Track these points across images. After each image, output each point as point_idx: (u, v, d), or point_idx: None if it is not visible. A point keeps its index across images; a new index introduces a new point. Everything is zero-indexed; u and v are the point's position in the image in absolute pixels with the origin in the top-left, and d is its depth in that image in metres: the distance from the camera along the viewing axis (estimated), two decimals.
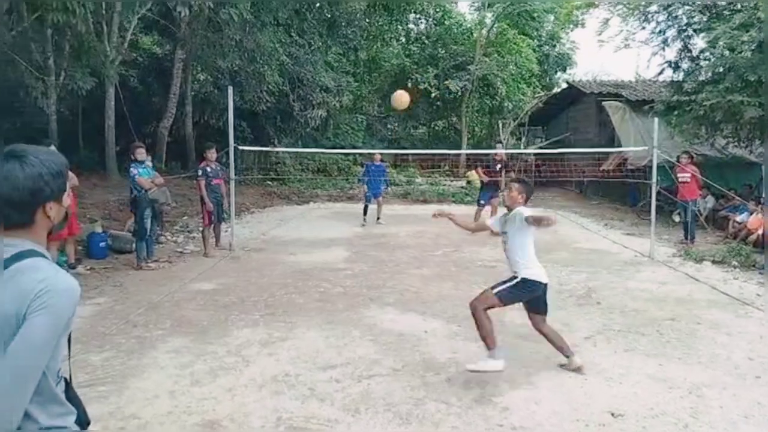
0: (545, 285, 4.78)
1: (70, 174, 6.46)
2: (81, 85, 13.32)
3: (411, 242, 11.12)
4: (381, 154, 14.22)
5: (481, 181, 12.51)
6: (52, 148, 7.43)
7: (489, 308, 4.64)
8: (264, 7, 15.69)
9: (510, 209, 4.87)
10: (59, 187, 1.68)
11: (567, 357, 4.80)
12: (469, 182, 21.06)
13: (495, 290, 4.66)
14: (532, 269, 4.73)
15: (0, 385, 1.47)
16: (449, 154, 22.65)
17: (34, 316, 1.51)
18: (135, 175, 8.42)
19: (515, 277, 4.70)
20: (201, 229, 10.12)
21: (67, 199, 1.75)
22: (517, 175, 12.46)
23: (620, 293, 7.38)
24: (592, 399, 4.29)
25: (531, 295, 4.75)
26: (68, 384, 1.81)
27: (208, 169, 9.53)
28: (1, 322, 1.52)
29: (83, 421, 1.83)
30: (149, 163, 9.23)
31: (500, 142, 19.18)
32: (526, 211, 4.64)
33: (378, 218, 13.11)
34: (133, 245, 8.94)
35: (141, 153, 8.67)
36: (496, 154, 12.71)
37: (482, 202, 12.36)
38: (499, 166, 12.33)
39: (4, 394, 1.47)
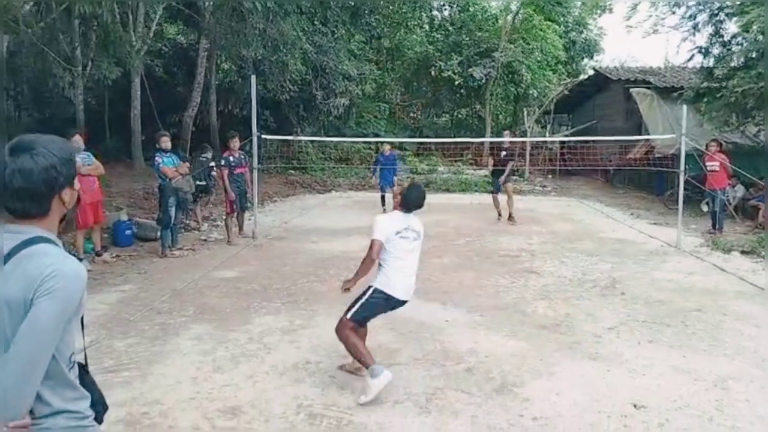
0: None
1: (96, 162, 6.52)
2: (107, 75, 13.49)
3: (432, 231, 11.02)
4: (392, 144, 14.27)
5: (494, 169, 12.53)
6: (77, 137, 7.59)
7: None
8: None
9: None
10: (70, 173, 1.71)
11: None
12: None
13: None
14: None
15: (9, 369, 1.49)
16: (472, 143, 22.44)
17: (41, 301, 1.53)
18: (159, 163, 8.52)
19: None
20: (224, 217, 10.22)
21: (77, 182, 1.77)
22: (519, 162, 12.38)
23: (645, 284, 7.26)
24: (614, 390, 4.24)
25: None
26: (84, 369, 1.84)
27: (231, 159, 9.60)
28: (11, 307, 1.55)
29: (100, 406, 1.86)
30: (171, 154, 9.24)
31: (509, 129, 18.90)
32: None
33: (394, 208, 13.06)
34: (158, 233, 9.06)
35: (166, 141, 8.76)
36: (503, 141, 12.68)
37: (494, 188, 12.54)
38: (504, 153, 12.26)
39: (14, 377, 1.49)
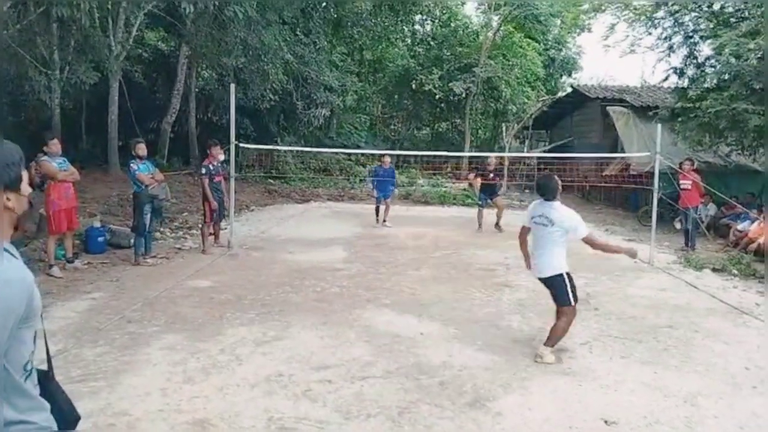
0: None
1: (72, 168, 6.39)
2: (85, 79, 13.33)
3: (410, 243, 11.09)
4: (388, 156, 14.40)
5: (483, 185, 13.08)
6: (55, 141, 7.49)
7: None
8: (270, 5, 15.68)
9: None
10: (10, 177, 1.65)
11: None
12: (470, 185, 21.02)
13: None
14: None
15: None
16: (452, 157, 22.59)
17: None
18: (135, 170, 8.41)
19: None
20: (200, 225, 10.10)
21: (27, 188, 1.72)
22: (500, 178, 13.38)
23: (619, 299, 7.34)
24: (585, 406, 4.26)
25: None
26: (47, 377, 1.79)
27: (211, 167, 9.51)
28: None
29: (69, 416, 1.81)
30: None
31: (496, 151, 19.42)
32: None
33: (384, 220, 13.18)
34: (131, 241, 8.93)
35: (141, 149, 8.65)
36: (488, 162, 13.38)
37: (481, 203, 13.23)
38: (491, 174, 13.12)
39: None
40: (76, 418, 1.84)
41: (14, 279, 1.56)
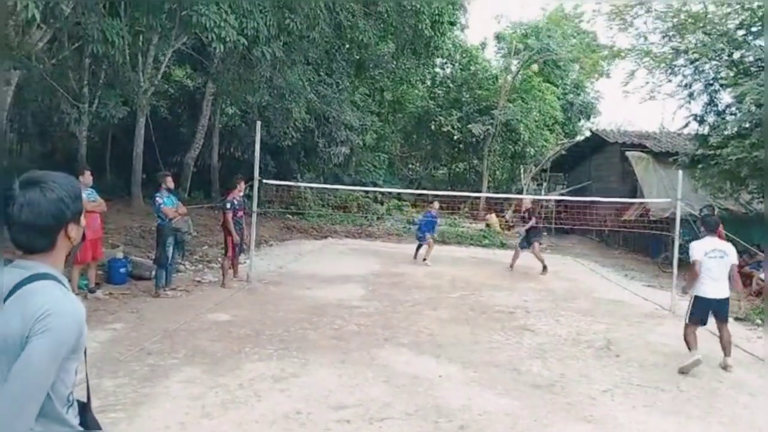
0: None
1: (99, 200, 6.54)
2: (114, 113, 13.69)
3: (428, 283, 11.06)
4: (437, 202, 15.53)
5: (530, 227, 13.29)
6: (87, 173, 7.70)
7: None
8: (296, 46, 16.09)
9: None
10: (78, 208, 1.73)
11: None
12: (488, 225, 21.02)
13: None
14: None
15: (0, 406, 1.49)
16: (470, 197, 22.67)
17: (34, 339, 1.54)
18: (161, 203, 8.55)
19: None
20: (220, 259, 10.19)
21: (83, 219, 1.79)
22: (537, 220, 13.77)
23: (640, 346, 7.23)
24: None
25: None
26: (86, 408, 1.82)
27: (235, 201, 9.64)
28: (8, 344, 1.55)
29: None
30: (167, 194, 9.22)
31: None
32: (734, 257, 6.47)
33: (424, 259, 13.66)
34: (153, 272, 9.02)
35: (170, 181, 8.88)
36: (522, 206, 14.02)
37: (524, 245, 13.37)
38: (526, 215, 13.55)
39: (5, 415, 1.49)
40: None
41: (69, 311, 1.61)
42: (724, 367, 6.38)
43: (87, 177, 7.86)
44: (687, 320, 6.44)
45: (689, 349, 6.28)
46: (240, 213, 9.76)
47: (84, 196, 6.59)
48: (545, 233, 21.41)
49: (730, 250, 6.48)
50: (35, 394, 1.53)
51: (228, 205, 9.59)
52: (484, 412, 4.86)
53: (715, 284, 6.33)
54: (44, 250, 1.68)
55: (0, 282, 1.60)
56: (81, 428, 1.74)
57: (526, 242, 13.29)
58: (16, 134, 19.89)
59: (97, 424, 1.86)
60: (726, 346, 6.44)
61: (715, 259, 6.36)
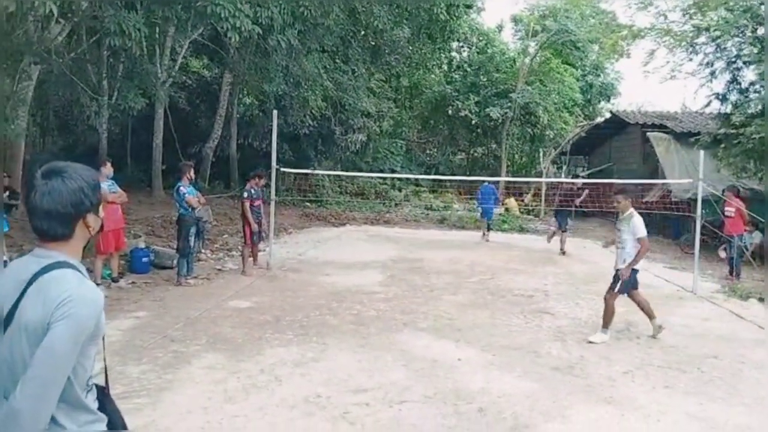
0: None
1: (120, 191, 6.64)
2: (132, 105, 13.84)
3: (446, 268, 11.07)
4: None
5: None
6: (108, 165, 7.83)
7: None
8: (311, 34, 16.07)
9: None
10: (97, 199, 1.79)
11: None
12: (507, 210, 20.90)
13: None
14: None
15: (24, 391, 1.54)
16: (486, 182, 22.51)
17: (55, 326, 1.58)
18: (185, 193, 8.66)
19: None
20: (240, 247, 10.31)
21: (102, 210, 1.84)
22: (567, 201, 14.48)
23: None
24: None
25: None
26: (104, 392, 1.87)
27: (253, 191, 9.75)
28: (29, 331, 1.60)
29: (120, 430, 1.89)
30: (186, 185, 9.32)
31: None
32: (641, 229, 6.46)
33: (484, 234, 15.13)
34: (174, 261, 9.15)
35: (192, 172, 9.09)
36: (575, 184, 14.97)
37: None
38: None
39: (29, 400, 1.53)
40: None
41: (88, 298, 1.65)
42: (657, 333, 6.63)
43: (108, 168, 8.00)
44: (621, 291, 6.55)
45: (606, 323, 6.56)
46: (258, 202, 9.86)
47: (104, 187, 6.69)
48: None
49: None
50: (57, 379, 1.58)
51: (245, 194, 9.71)
52: (503, 394, 4.88)
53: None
54: (63, 239, 1.72)
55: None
56: (100, 412, 1.78)
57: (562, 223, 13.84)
58: (38, 128, 20.22)
59: (116, 408, 1.91)
60: (649, 311, 6.71)
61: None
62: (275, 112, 10.45)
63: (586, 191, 14.05)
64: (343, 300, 8.06)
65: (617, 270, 6.56)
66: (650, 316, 6.66)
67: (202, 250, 10.81)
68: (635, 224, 6.44)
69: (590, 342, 6.33)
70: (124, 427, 1.92)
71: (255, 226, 9.68)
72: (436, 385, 5.02)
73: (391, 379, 5.13)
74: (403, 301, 8.22)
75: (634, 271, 6.53)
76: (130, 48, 11.34)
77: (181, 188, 8.71)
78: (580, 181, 21.06)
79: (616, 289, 6.50)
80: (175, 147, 17.19)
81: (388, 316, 7.36)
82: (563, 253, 13.32)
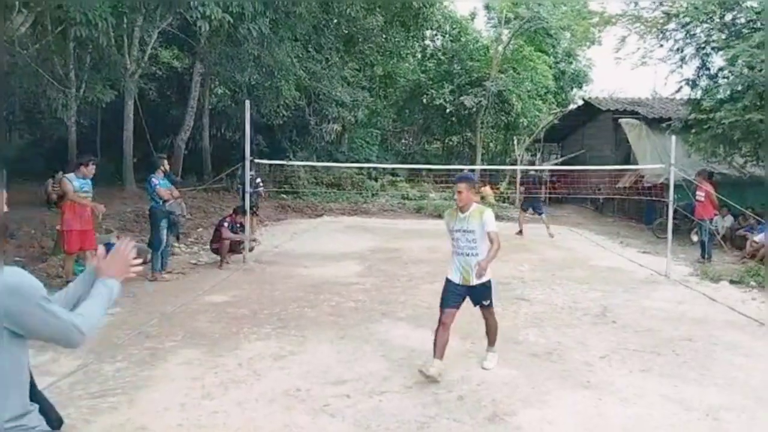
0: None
1: (88, 199, 6.32)
2: (101, 97, 13.54)
3: (424, 257, 11.08)
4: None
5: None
6: (91, 165, 7.63)
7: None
8: (282, 22, 15.87)
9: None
10: None
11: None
12: (483, 198, 21.00)
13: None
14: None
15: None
16: (463, 170, 22.60)
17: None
18: (156, 185, 8.50)
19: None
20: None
21: (3, 204, 1.87)
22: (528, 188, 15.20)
23: (635, 312, 7.28)
24: (606, 420, 4.22)
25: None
26: (31, 382, 1.97)
27: (232, 226, 9.78)
28: None
29: (54, 416, 2.00)
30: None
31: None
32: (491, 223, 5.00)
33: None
34: (148, 256, 8.99)
35: (167, 164, 8.93)
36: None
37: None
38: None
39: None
40: (59, 419, 2.07)
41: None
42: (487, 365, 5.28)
43: (89, 169, 7.74)
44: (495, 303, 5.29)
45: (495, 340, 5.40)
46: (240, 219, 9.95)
47: (76, 185, 6.45)
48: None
49: None
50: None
51: (225, 224, 9.64)
52: (482, 382, 4.90)
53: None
54: None
55: None
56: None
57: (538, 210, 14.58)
58: (4, 122, 19.66)
59: (48, 402, 2.23)
60: (494, 337, 5.40)
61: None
62: (247, 102, 10.31)
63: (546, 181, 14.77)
64: (321, 292, 8.01)
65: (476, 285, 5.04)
66: (491, 342, 5.33)
67: (176, 244, 10.65)
68: (488, 219, 4.95)
69: (484, 368, 5.17)
70: (55, 411, 2.09)
71: (238, 237, 9.68)
72: (415, 375, 5.01)
73: (371, 369, 5.12)
74: (381, 291, 8.21)
75: (488, 287, 5.08)
76: (96, 38, 11.08)
77: (153, 179, 8.56)
78: (546, 167, 21.43)
79: (493, 304, 5.21)
80: (147, 139, 16.85)
81: (366, 306, 7.34)
82: (551, 236, 13.90)
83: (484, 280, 4.98)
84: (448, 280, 5.10)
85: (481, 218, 4.93)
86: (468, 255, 4.98)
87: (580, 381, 4.95)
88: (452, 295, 5.01)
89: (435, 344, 4.93)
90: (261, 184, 13.20)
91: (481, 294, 5.07)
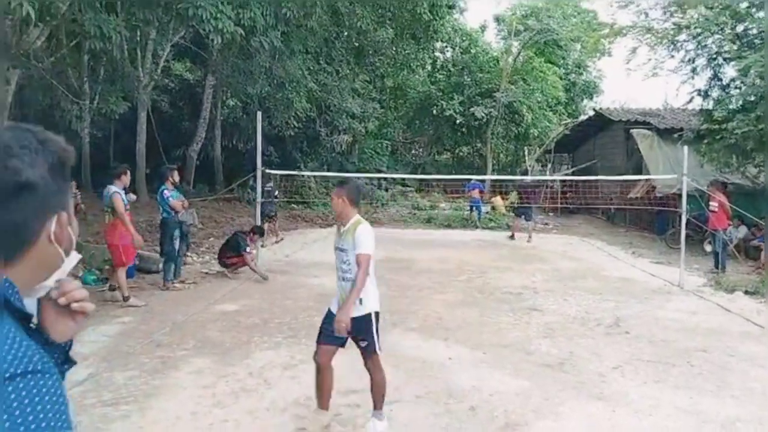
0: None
1: (139, 239, 6.12)
2: (114, 109, 13.67)
3: (434, 267, 11.05)
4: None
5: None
6: (127, 173, 7.52)
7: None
8: (294, 35, 15.99)
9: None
10: None
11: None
12: (493, 208, 20.96)
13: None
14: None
15: None
16: (471, 179, 22.58)
17: None
18: (168, 197, 8.55)
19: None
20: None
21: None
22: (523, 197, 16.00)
23: (649, 323, 7.21)
24: None
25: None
26: None
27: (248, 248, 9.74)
28: None
29: None
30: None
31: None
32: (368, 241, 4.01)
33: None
34: (160, 266, 9.04)
35: (177, 176, 8.97)
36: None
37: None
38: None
39: None
40: None
41: None
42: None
43: (125, 178, 7.65)
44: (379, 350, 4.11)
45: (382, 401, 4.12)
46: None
47: (123, 203, 6.19)
48: (551, 213, 21.42)
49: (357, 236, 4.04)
50: None
51: (246, 249, 9.60)
52: (494, 392, 4.86)
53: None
54: None
55: None
56: None
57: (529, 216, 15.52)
58: None
59: None
60: (380, 398, 4.14)
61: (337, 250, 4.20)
62: (259, 113, 10.39)
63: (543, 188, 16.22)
64: (331, 301, 7.98)
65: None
66: (377, 404, 4.08)
67: (188, 254, 10.70)
68: (359, 237, 4.00)
69: None
70: None
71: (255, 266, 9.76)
72: (426, 385, 4.99)
73: None
74: (392, 301, 8.17)
75: (367, 321, 4.04)
76: (110, 51, 11.22)
77: (165, 192, 8.61)
78: (556, 177, 21.50)
79: (376, 348, 4.08)
80: (159, 150, 17.00)
81: None
82: (529, 240, 14.96)
83: (363, 312, 3.97)
84: (329, 310, 4.23)
85: (353, 235, 3.99)
86: (343, 280, 4.09)
87: (594, 392, 4.90)
88: (328, 328, 4.04)
89: (315, 390, 4.16)
90: (277, 195, 14.14)
91: (356, 329, 3.96)
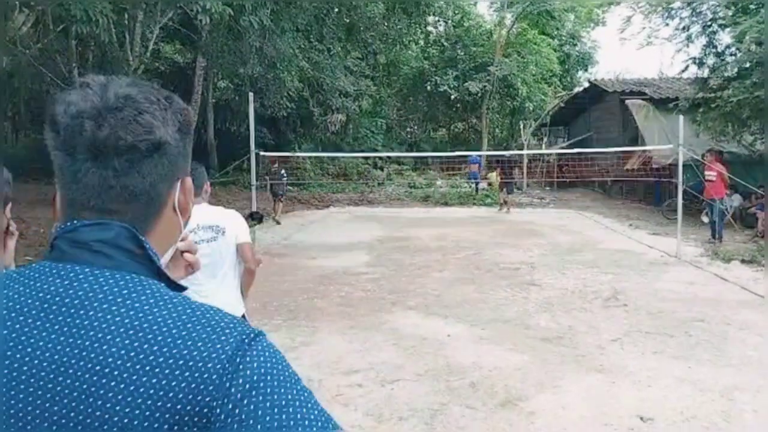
0: None
1: None
2: None
3: (432, 245, 11.06)
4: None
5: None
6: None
7: None
8: (283, 13, 15.78)
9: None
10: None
11: None
12: (489, 184, 20.95)
13: None
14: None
15: None
16: (470, 156, 22.53)
17: None
18: None
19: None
20: None
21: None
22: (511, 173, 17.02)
23: (647, 294, 7.24)
24: (620, 403, 4.20)
25: None
26: None
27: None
28: None
29: None
30: None
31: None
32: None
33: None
34: None
35: None
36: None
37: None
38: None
39: None
40: None
41: None
42: None
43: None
44: None
45: None
46: None
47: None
48: (547, 187, 21.42)
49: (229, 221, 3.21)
50: None
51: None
52: (494, 368, 4.88)
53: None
54: None
55: None
56: None
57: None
58: (10, 123, 19.76)
59: None
60: None
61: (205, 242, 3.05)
62: (251, 95, 10.28)
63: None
64: (330, 282, 8.01)
65: None
66: None
67: None
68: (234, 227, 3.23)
69: None
70: None
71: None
72: (427, 363, 5.01)
73: (382, 358, 5.11)
74: (391, 280, 8.20)
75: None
76: (98, 35, 11.05)
77: None
78: (552, 151, 21.63)
79: None
80: None
81: (376, 296, 7.33)
82: (507, 211, 16.11)
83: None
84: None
85: (221, 225, 3.21)
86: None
87: (593, 365, 4.93)
88: None
89: None
90: (285, 175, 14.97)
91: None
